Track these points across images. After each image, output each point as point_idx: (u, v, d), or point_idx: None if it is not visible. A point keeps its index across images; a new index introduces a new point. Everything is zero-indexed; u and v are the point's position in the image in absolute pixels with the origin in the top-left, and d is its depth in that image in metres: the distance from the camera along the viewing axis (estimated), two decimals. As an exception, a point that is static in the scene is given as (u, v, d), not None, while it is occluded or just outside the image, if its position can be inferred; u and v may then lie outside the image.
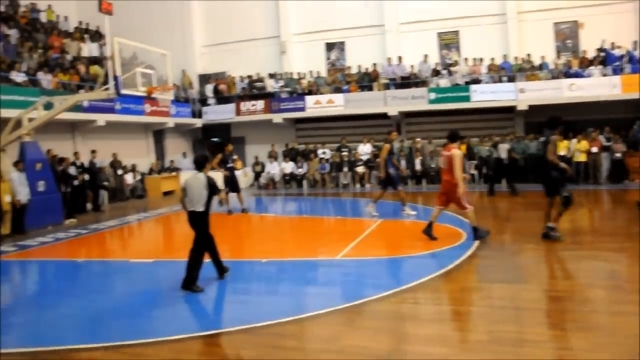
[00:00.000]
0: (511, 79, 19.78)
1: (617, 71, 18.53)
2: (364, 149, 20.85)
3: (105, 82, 13.83)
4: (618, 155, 17.11)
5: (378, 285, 6.90)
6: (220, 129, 24.03)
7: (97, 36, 22.82)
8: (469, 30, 21.63)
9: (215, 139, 24.09)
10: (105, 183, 17.98)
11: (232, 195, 14.25)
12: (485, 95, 19.58)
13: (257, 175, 21.98)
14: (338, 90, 21.79)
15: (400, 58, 21.48)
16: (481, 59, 20.66)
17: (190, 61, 24.88)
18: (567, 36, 20.79)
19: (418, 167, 19.53)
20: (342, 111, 21.36)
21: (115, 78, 12.39)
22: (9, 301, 7.61)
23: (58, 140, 17.13)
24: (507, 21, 21.02)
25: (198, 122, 23.76)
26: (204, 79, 25.07)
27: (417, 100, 20.38)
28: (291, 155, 21.84)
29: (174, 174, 21.47)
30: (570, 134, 17.62)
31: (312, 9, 23.46)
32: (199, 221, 7.12)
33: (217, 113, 23.39)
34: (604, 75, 18.51)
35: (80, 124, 18.31)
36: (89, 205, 16.55)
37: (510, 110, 20.04)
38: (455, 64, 21.10)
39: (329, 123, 22.55)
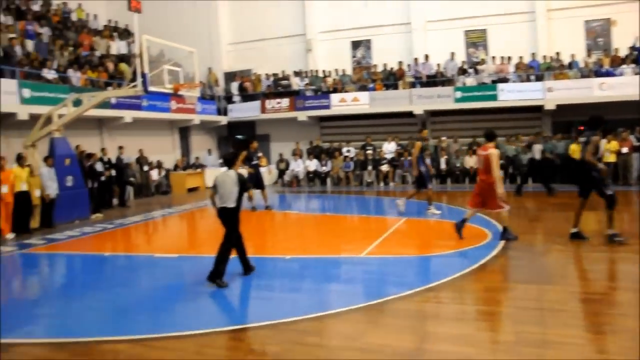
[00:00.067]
0: (539, 78, 19.47)
1: (649, 70, 18.11)
2: (389, 148, 20.75)
3: (133, 79, 14.00)
4: (649, 156, 16.70)
5: (402, 284, 6.87)
6: (245, 127, 24.13)
7: (125, 34, 23.16)
8: (497, 28, 21.33)
9: (240, 136, 24.16)
10: (132, 179, 18.22)
11: (256, 192, 14.33)
12: (512, 94, 19.32)
13: (281, 172, 22.03)
14: (363, 88, 21.73)
15: (427, 56, 21.31)
16: (509, 58, 20.36)
17: (216, 59, 25.10)
18: (598, 34, 20.36)
19: (443, 166, 19.37)
20: (367, 109, 21.30)
21: (143, 75, 12.52)
22: (37, 292, 7.78)
23: (86, 136, 17.41)
24: (536, 19, 20.69)
25: (223, 120, 23.94)
26: (230, 76, 25.23)
27: (442, 99, 20.21)
28: (315, 153, 21.84)
29: (198, 170, 21.68)
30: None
31: (339, 7, 23.44)
32: (230, 217, 7.18)
33: (243, 110, 23.53)
34: (636, 74, 18.07)
35: (108, 120, 18.60)
36: (115, 201, 16.78)
37: (537, 109, 19.72)
38: (482, 62, 20.85)
39: (354, 121, 22.49)
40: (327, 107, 21.84)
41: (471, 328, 5.43)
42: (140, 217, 14.39)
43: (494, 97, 19.49)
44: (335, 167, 21.12)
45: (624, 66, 18.49)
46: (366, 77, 22.31)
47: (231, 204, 7.12)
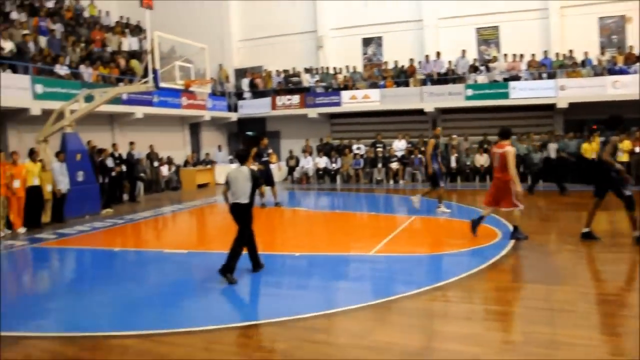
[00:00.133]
0: (551, 76, 19.30)
1: (664, 68, 17.88)
2: (399, 145, 20.71)
3: (145, 76, 14.04)
4: (663, 155, 16.52)
5: (410, 282, 6.85)
6: (256, 123, 24.17)
7: (137, 30, 23.25)
8: (509, 25, 21.16)
9: (250, 133, 24.27)
10: (142, 175, 18.30)
11: (266, 189, 14.34)
12: (524, 92, 19.16)
13: (291, 169, 22.04)
14: (374, 85, 21.67)
15: (438, 54, 21.22)
16: (521, 55, 20.21)
17: (227, 55, 25.17)
18: (612, 31, 20.14)
19: (453, 164, 19.28)
20: (377, 107, 21.23)
21: (155, 71, 12.54)
22: (47, 286, 7.84)
23: (97, 132, 17.51)
24: (549, 16, 20.50)
25: (234, 116, 23.99)
26: (240, 73, 25.27)
27: (453, 96, 20.09)
28: (325, 150, 21.83)
29: (208, 166, 21.73)
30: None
31: (350, 3, 23.38)
32: (242, 213, 7.21)
33: (253, 107, 23.56)
34: (651, 71, 17.87)
35: (119, 116, 18.69)
36: (125, 196, 16.86)
37: (549, 108, 19.56)
38: (494, 60, 20.71)
39: (364, 118, 22.45)
40: (338, 104, 21.81)
41: (480, 327, 5.41)
42: (150, 212, 14.45)
43: (505, 95, 19.35)
44: (345, 164, 21.09)
45: (638, 64, 18.26)
46: (377, 74, 22.25)
47: (244, 200, 7.16)
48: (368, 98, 21.28)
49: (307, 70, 23.48)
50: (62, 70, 16.37)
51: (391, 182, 20.13)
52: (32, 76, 14.88)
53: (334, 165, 21.24)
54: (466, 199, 15.24)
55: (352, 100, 21.53)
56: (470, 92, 19.84)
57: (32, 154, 12.46)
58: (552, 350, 4.64)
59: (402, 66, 21.81)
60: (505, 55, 20.63)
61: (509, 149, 8.89)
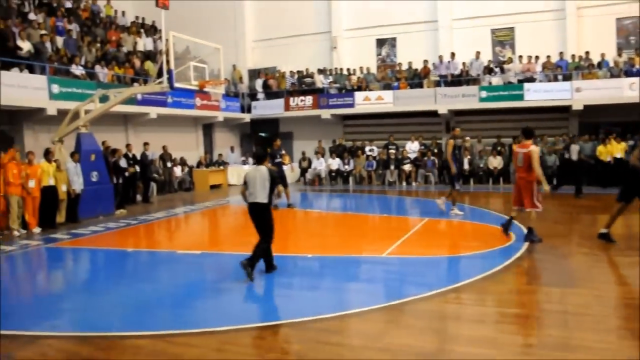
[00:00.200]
0: (567, 78, 19.12)
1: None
2: (412, 147, 20.64)
3: (159, 76, 14.11)
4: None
5: (423, 284, 6.81)
6: (269, 124, 24.20)
7: (152, 30, 23.39)
8: (525, 26, 21.00)
9: (263, 134, 24.31)
10: (155, 175, 18.38)
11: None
12: (539, 94, 19.00)
13: (304, 171, 22.03)
14: (388, 86, 21.61)
15: (452, 55, 21.11)
16: (536, 57, 20.05)
17: (241, 56, 25.23)
18: (630, 32, 19.88)
19: (466, 166, 19.14)
20: (391, 108, 21.16)
21: (169, 72, 12.59)
22: (62, 286, 7.90)
23: (111, 132, 17.64)
24: (566, 17, 20.31)
25: (247, 117, 24.02)
26: (254, 73, 25.33)
27: (467, 98, 19.99)
28: (338, 151, 21.81)
29: (221, 167, 21.78)
30: (629, 135, 16.96)
31: (364, 4, 23.36)
32: (261, 213, 7.27)
33: (266, 108, 23.58)
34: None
35: (133, 116, 18.82)
36: (138, 197, 16.94)
37: (564, 110, 19.38)
38: (509, 61, 20.57)
39: (377, 120, 22.40)
40: (351, 105, 21.77)
41: (494, 330, 5.36)
42: (163, 213, 14.51)
43: (520, 97, 19.20)
44: (357, 166, 21.05)
45: (656, 66, 18.06)
46: (391, 76, 22.19)
47: (263, 199, 7.21)
48: (381, 99, 21.23)
49: (321, 71, 23.48)
50: (77, 70, 16.51)
51: (404, 184, 20.06)
52: (49, 76, 15.04)
53: (346, 166, 21.21)
54: (479, 201, 15.15)
55: (366, 102, 21.49)
56: (484, 93, 19.71)
57: (48, 154, 12.56)
58: (567, 353, 4.60)
59: (416, 69, 21.72)
60: (520, 56, 20.47)
61: (534, 149, 8.85)
